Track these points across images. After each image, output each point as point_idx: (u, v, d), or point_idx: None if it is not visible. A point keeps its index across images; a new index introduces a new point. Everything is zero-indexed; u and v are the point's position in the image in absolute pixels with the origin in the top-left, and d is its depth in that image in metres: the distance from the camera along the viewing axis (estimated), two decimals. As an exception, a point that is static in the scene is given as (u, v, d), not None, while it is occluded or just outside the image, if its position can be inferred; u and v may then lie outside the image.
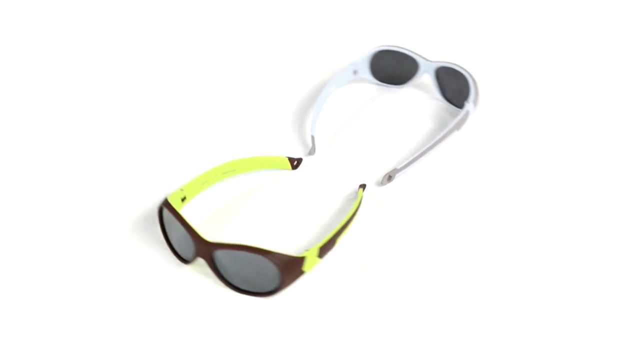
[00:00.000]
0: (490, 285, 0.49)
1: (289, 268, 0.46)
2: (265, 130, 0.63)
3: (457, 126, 0.61)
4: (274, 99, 0.67)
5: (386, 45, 0.68)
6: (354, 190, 0.57)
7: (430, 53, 0.69)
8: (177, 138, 0.62)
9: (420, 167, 0.58)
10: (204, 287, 0.48)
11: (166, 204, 0.49)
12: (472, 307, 0.47)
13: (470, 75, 0.64)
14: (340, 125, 0.64)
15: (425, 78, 0.67)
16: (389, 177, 0.57)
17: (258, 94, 0.68)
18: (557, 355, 0.45)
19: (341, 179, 0.58)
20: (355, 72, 0.68)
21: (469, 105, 0.62)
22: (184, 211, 0.53)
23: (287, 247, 0.50)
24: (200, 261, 0.48)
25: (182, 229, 0.48)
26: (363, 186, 0.56)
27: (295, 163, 0.58)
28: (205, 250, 0.47)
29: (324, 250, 0.48)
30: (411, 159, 0.57)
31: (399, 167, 0.57)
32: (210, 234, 0.50)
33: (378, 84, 0.69)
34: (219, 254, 0.47)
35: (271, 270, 0.46)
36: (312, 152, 0.60)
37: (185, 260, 0.49)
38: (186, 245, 0.48)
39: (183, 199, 0.53)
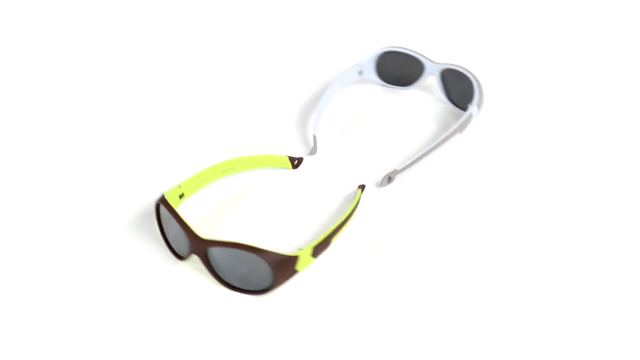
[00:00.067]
0: (487, 291, 0.49)
1: (282, 267, 0.47)
2: (269, 129, 0.63)
3: (460, 129, 0.60)
4: (279, 98, 0.67)
5: (392, 47, 0.67)
6: (353, 191, 0.57)
7: (437, 55, 0.69)
8: (178, 135, 0.62)
9: (421, 169, 0.58)
10: (199, 284, 0.48)
11: (163, 200, 0.49)
12: (467, 311, 0.47)
13: (475, 78, 0.63)
14: (343, 126, 0.64)
15: (431, 80, 0.67)
16: (389, 179, 0.57)
17: (263, 92, 0.68)
18: (555, 355, 0.45)
19: (341, 180, 0.58)
20: (360, 72, 0.68)
21: (472, 108, 0.61)
22: (181, 208, 0.53)
23: (283, 246, 0.50)
24: (196, 258, 0.48)
25: (177, 226, 0.48)
26: (362, 187, 0.55)
27: (295, 162, 0.58)
28: (199, 247, 0.47)
29: (318, 249, 0.48)
30: (411, 160, 0.57)
31: (398, 168, 0.57)
32: (206, 231, 0.50)
33: (383, 85, 0.69)
34: (213, 251, 0.47)
35: (264, 269, 0.46)
36: (313, 151, 0.60)
37: (180, 257, 0.50)
38: (181, 242, 0.49)
39: (181, 196, 0.53)
